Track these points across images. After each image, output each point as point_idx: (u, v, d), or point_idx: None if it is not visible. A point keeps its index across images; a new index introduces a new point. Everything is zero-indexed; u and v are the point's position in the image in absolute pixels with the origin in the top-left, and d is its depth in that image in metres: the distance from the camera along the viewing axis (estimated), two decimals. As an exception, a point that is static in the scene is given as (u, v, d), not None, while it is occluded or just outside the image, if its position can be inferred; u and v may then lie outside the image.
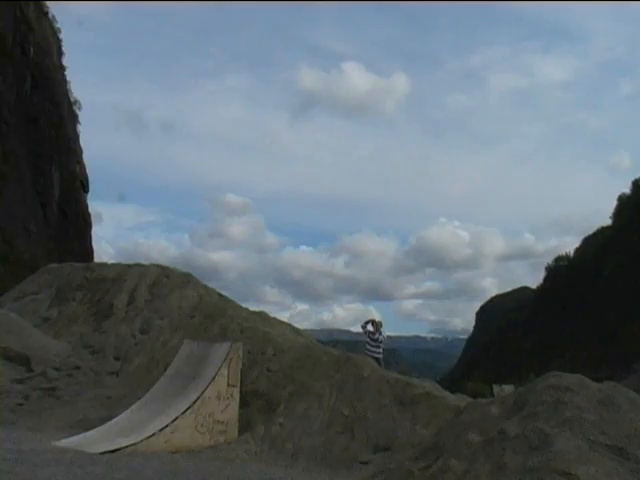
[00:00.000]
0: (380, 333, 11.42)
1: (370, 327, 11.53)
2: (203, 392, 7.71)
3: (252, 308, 13.35)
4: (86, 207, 74.98)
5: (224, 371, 8.02)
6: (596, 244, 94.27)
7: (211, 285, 14.28)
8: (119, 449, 6.70)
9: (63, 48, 76.82)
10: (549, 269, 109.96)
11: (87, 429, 7.69)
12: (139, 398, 8.31)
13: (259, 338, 10.53)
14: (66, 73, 76.46)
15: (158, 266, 13.93)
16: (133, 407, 8.01)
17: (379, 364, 10.59)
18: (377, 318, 12.06)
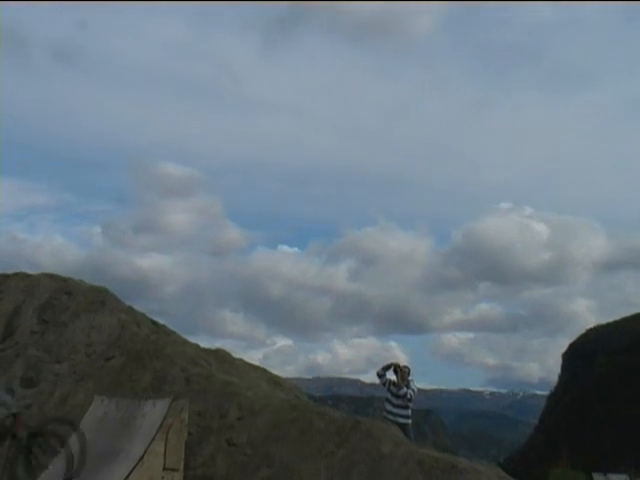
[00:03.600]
0: (407, 385, 11.54)
1: (392, 376, 11.68)
2: None
3: (204, 344, 13.49)
4: None
5: (158, 446, 8.14)
6: None
7: (139, 308, 14.38)
8: None
9: None
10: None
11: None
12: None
13: (216, 392, 10.66)
14: None
15: (52, 277, 14.06)
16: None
17: (406, 434, 10.75)
18: (402, 362, 12.19)
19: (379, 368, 11.90)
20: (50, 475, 8.45)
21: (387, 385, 11.65)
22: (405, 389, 11.43)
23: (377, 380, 11.89)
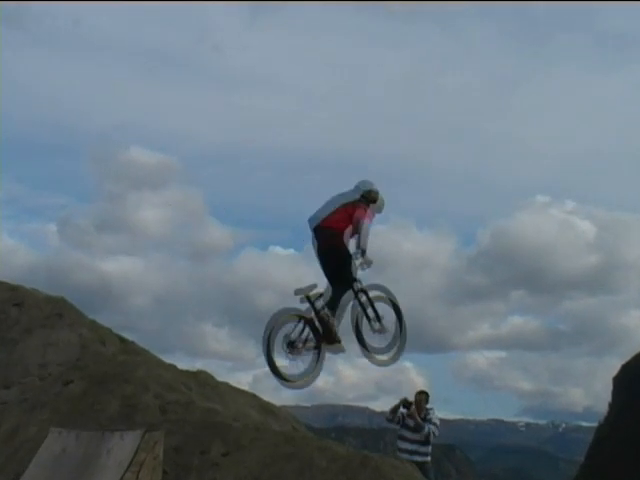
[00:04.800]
0: (426, 416, 11.41)
1: (404, 410, 11.52)
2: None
3: (183, 366, 13.43)
4: None
5: (129, 487, 8.22)
6: None
7: (104, 322, 14.31)
8: None
9: None
10: None
11: None
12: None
13: (196, 423, 10.65)
14: None
15: (-1, 284, 13.97)
16: None
17: (425, 474, 10.71)
18: (419, 387, 12.10)
19: (387, 412, 11.82)
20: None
21: (400, 421, 11.46)
22: (425, 426, 11.20)
23: (388, 408, 11.78)
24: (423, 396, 11.60)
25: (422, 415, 11.35)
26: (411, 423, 11.33)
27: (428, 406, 11.55)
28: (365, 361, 8.26)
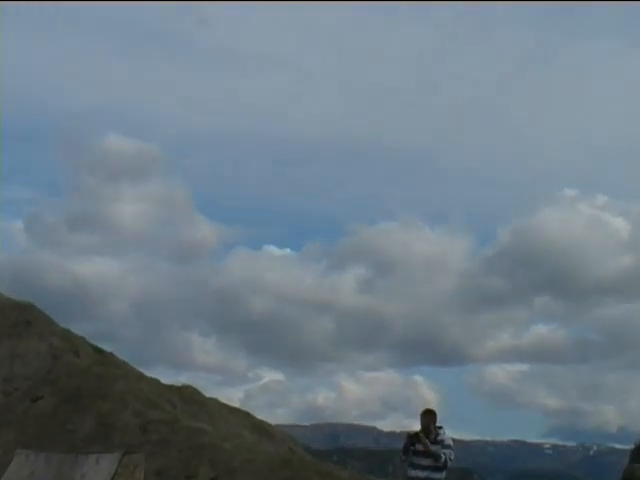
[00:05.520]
0: (436, 438, 11.23)
1: (418, 446, 11.22)
2: None
3: (166, 380, 13.20)
4: None
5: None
6: None
7: (78, 330, 14.08)
8: None
9: None
10: None
11: None
12: None
13: (181, 444, 10.48)
14: None
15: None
16: None
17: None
18: (429, 406, 11.77)
19: (400, 452, 11.43)
20: None
21: (409, 452, 11.17)
22: (441, 455, 10.92)
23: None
24: (430, 417, 11.42)
25: (432, 437, 11.09)
26: (420, 447, 11.06)
27: (439, 426, 11.27)
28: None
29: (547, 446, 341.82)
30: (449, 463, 11.11)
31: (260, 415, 14.59)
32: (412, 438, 11.31)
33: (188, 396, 12.91)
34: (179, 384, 13.47)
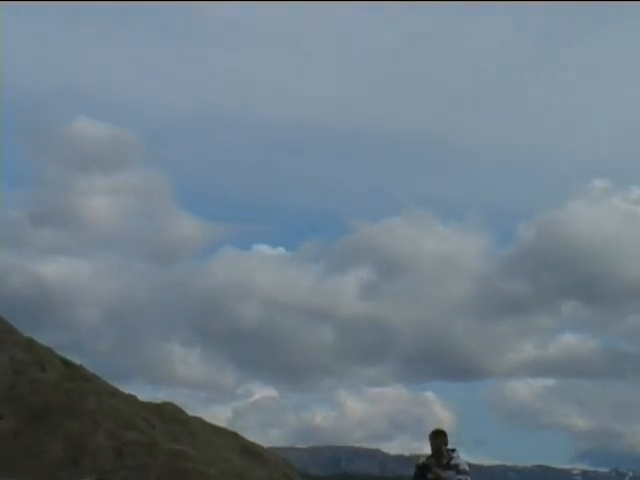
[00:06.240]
0: (450, 462, 11.17)
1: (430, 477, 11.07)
2: None
3: (143, 396, 12.88)
4: None
5: None
6: None
7: (43, 340, 13.73)
8: None
9: None
10: None
11: None
12: None
13: (161, 469, 10.12)
14: None
15: None
16: None
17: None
18: (441, 426, 11.53)
19: (418, 460, 11.28)
20: None
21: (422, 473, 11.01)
22: (448, 471, 10.80)
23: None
24: (440, 438, 11.29)
25: (445, 462, 10.95)
26: (432, 477, 10.93)
27: (452, 449, 11.15)
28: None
29: (576, 472, 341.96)
30: (458, 479, 10.99)
31: (251, 436, 14.27)
32: (422, 469, 11.03)
33: (169, 415, 12.59)
34: (158, 401, 13.11)
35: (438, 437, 11.39)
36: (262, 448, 12.84)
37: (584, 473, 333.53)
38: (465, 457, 11.41)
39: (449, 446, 11.34)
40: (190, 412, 11.98)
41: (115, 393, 11.77)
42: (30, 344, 11.69)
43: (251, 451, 11.91)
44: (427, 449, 11.41)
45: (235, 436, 12.60)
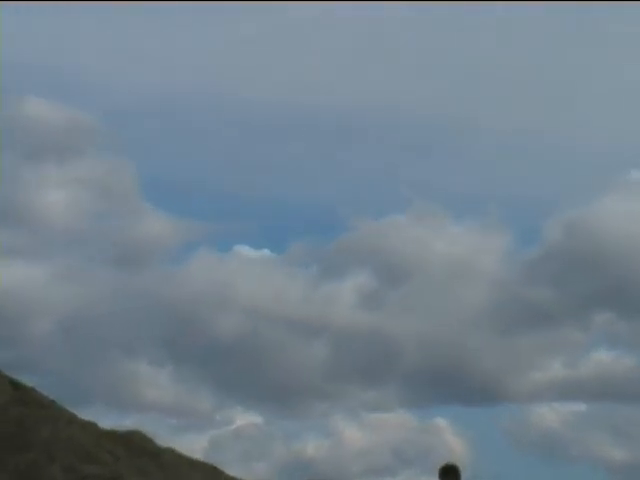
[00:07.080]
0: None
1: None
2: None
3: (106, 424, 11.64)
4: None
5: None
6: None
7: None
8: None
9: None
10: None
11: None
12: None
13: None
14: None
15: None
16: None
17: None
18: (439, 472, 10.89)
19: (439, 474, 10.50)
20: None
21: None
22: None
23: None
24: (452, 476, 10.30)
25: None
26: None
27: None
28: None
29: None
30: None
31: (231, 471, 13.09)
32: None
33: (135, 445, 11.41)
34: (123, 430, 11.98)
35: (449, 474, 10.19)
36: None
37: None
38: None
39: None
40: (161, 442, 11.25)
41: (73, 420, 10.97)
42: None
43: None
44: (437, 486, 10.27)
45: (213, 470, 11.75)
